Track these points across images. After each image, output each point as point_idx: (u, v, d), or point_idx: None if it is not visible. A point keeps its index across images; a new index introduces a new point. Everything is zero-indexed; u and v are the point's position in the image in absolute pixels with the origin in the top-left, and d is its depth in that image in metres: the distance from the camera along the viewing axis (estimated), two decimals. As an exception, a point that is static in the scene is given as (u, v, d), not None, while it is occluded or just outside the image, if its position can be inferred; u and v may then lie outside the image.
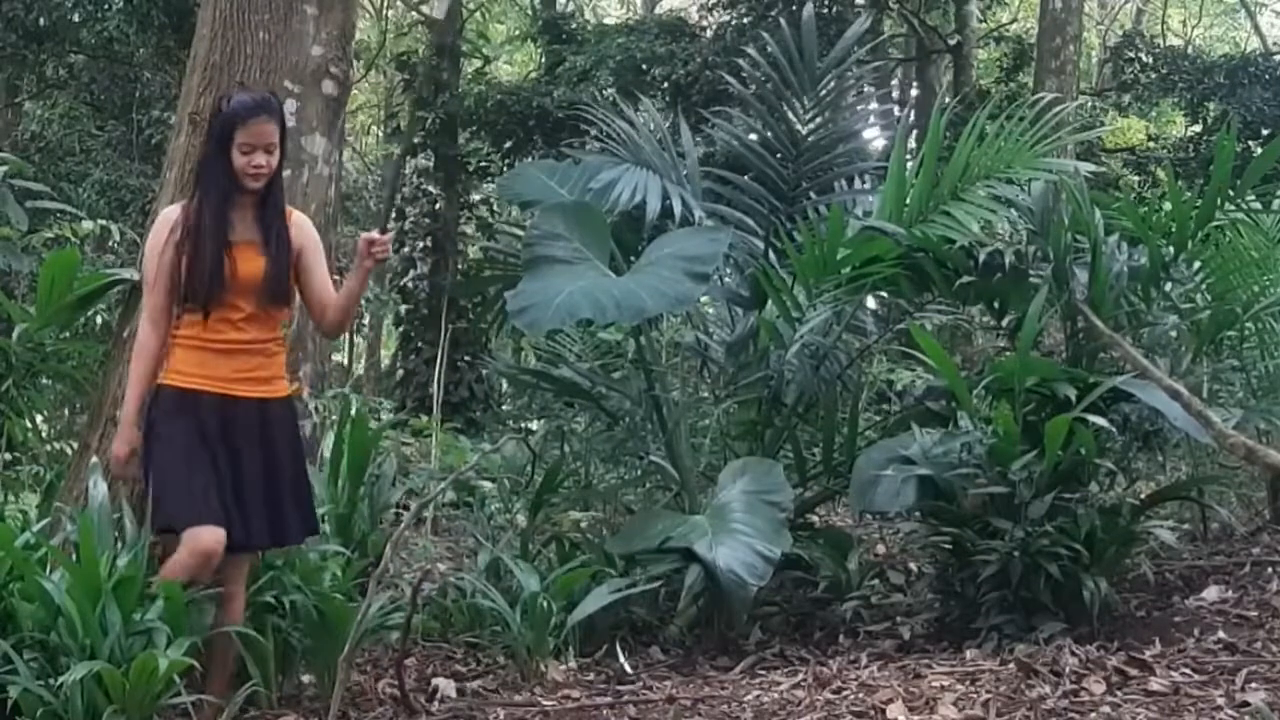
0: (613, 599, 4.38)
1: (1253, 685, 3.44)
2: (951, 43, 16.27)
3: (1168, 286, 5.14)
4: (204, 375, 3.54)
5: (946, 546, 4.53)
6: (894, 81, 19.22)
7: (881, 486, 4.58)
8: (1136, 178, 16.10)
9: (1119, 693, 3.45)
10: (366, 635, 3.84)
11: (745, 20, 14.40)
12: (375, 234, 3.65)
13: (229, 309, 3.56)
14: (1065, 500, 4.27)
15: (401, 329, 16.80)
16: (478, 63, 17.55)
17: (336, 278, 3.94)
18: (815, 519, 5.98)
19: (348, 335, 22.67)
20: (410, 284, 16.31)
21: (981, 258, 5.02)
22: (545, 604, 4.22)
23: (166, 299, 3.56)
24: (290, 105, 4.51)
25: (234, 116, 3.57)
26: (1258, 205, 5.19)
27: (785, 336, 5.11)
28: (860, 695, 3.58)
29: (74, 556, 3.42)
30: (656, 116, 6.19)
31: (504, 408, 13.83)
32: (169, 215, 3.63)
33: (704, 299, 5.88)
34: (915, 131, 11.53)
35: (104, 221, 6.68)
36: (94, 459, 4.06)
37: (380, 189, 20.35)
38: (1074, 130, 7.18)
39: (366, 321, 23.33)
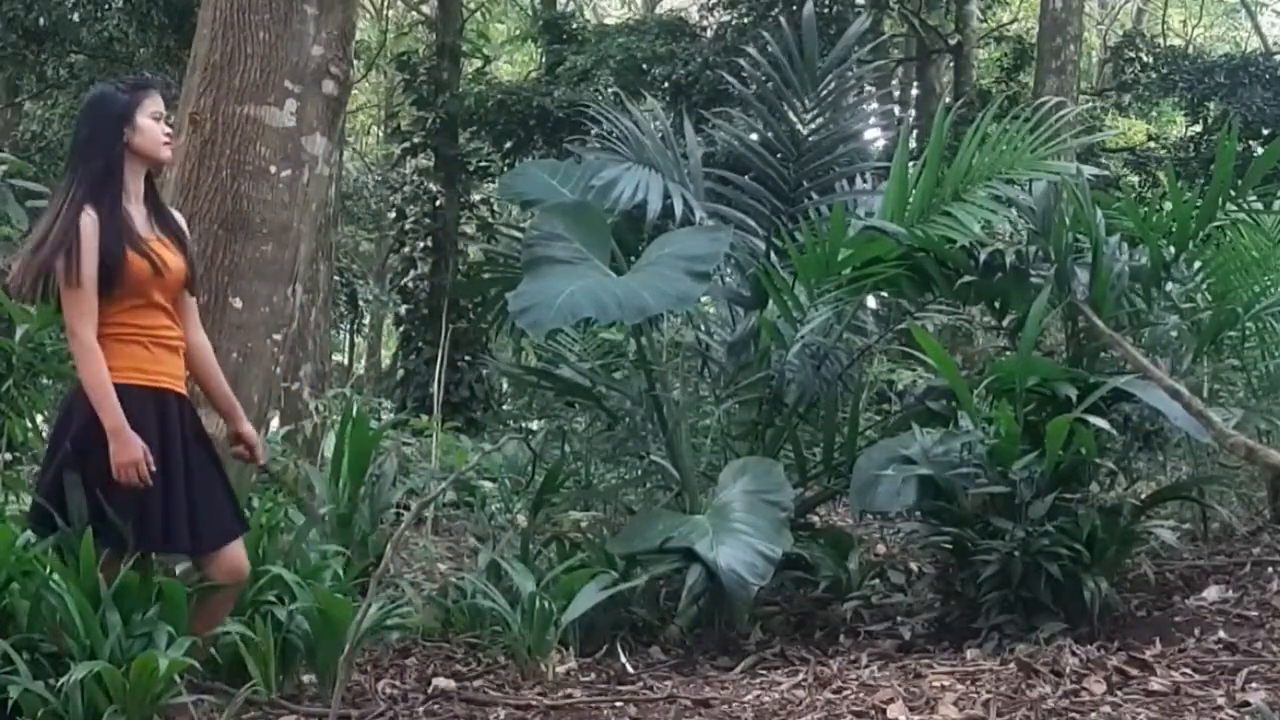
0: (605, 596, 4.37)
1: (1253, 685, 3.43)
2: (952, 42, 16.27)
3: (1169, 286, 5.13)
4: (165, 373, 3.49)
5: (947, 546, 4.53)
6: (894, 81, 19.23)
7: (882, 486, 4.58)
8: (1137, 178, 16.11)
9: (1119, 692, 3.45)
10: (366, 635, 3.84)
11: (745, 20, 14.41)
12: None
13: (170, 303, 3.53)
14: (1066, 500, 4.26)
15: (402, 329, 16.82)
16: (478, 63, 17.57)
17: (337, 278, 3.95)
18: (816, 519, 5.98)
19: (348, 335, 22.74)
20: (410, 284, 16.33)
21: (982, 258, 5.02)
22: (545, 604, 4.22)
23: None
24: (290, 105, 4.51)
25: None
26: (1259, 205, 5.19)
27: (786, 336, 5.11)
28: (861, 695, 3.57)
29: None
30: (661, 115, 6.19)
31: (504, 408, 13.84)
32: (94, 214, 3.42)
33: (705, 299, 5.88)
34: (915, 131, 11.53)
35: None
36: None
37: (380, 189, 20.38)
38: (1077, 134, 7.17)
39: (367, 321, 23.37)
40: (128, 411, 3.35)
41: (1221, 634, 3.97)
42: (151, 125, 3.53)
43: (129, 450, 3.31)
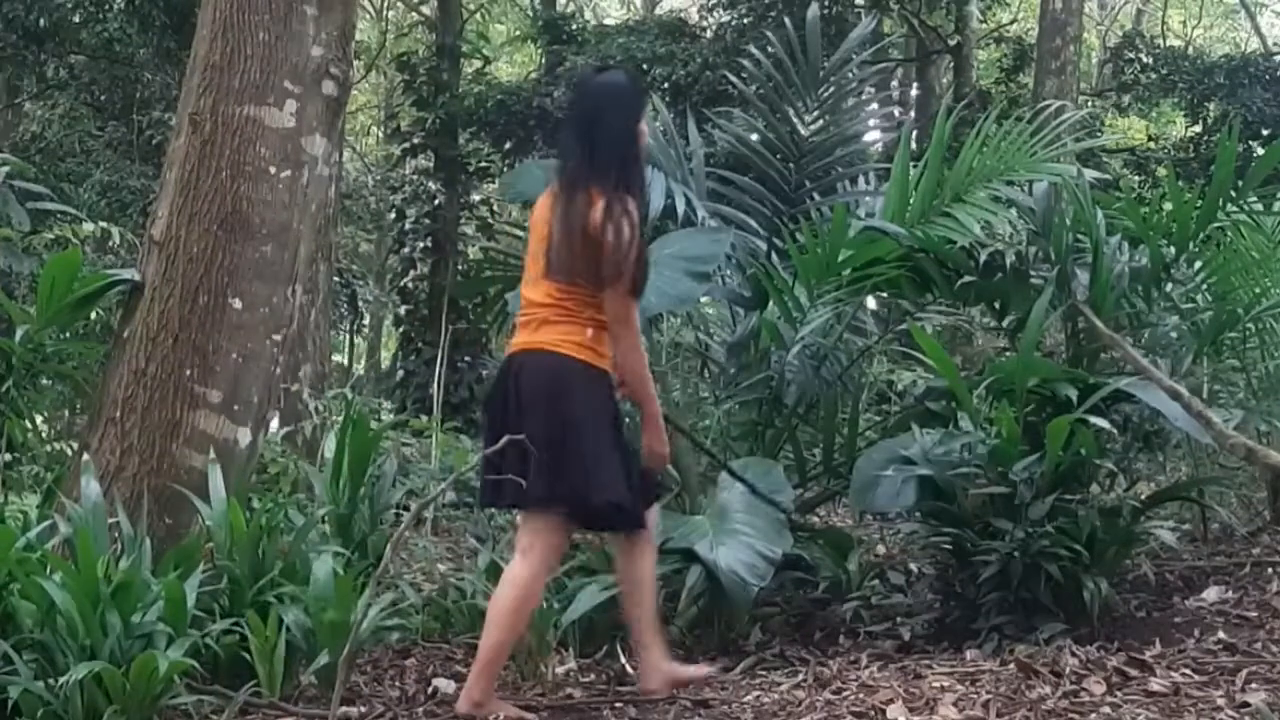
0: (605, 596, 4.36)
1: (1253, 686, 3.43)
2: (952, 43, 16.27)
3: (1169, 287, 5.13)
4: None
5: (947, 547, 4.52)
6: (894, 82, 19.23)
7: (882, 487, 4.57)
8: (1137, 178, 16.11)
9: (1119, 693, 3.45)
10: (366, 636, 3.84)
11: (745, 20, 14.42)
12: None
13: None
14: (1066, 501, 4.26)
15: (401, 329, 16.81)
16: (478, 63, 17.57)
17: (337, 278, 3.95)
18: (816, 519, 5.97)
19: (348, 335, 22.74)
20: (410, 284, 16.33)
21: (982, 258, 5.02)
22: (545, 604, 4.21)
23: None
24: (290, 105, 4.51)
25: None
26: (1259, 206, 5.19)
27: (786, 337, 5.11)
28: (860, 696, 3.57)
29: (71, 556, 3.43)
30: (664, 114, 6.18)
31: (504, 408, 13.79)
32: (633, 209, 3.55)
33: (705, 299, 5.88)
34: (914, 132, 11.52)
35: (105, 223, 6.70)
36: (87, 459, 4.07)
37: (380, 189, 20.39)
38: (1078, 137, 7.17)
39: (367, 322, 23.37)
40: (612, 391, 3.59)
41: (1221, 635, 3.97)
42: (645, 131, 3.68)
43: (665, 439, 3.66)
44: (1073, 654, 3.77)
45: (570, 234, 3.52)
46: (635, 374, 3.60)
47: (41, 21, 13.29)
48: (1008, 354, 5.39)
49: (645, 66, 14.25)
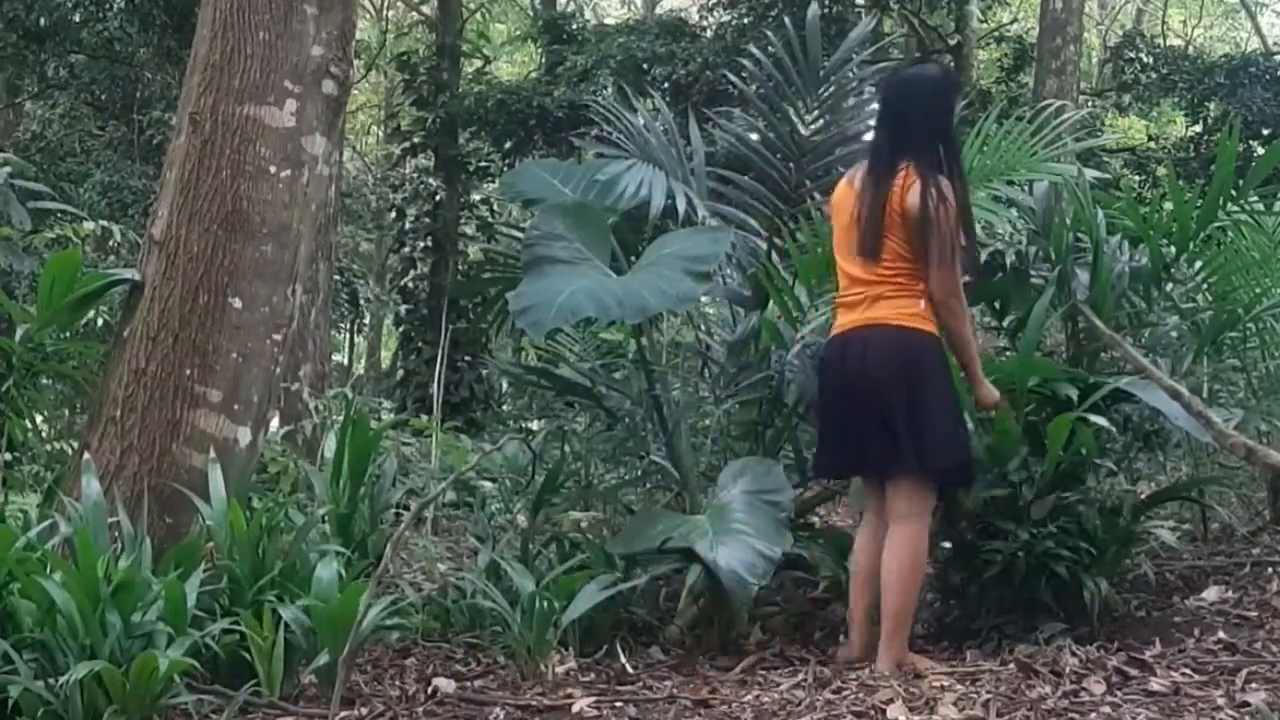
0: (605, 596, 4.36)
1: (1253, 685, 3.43)
2: (952, 43, 16.27)
3: (1169, 287, 5.13)
4: None
5: (947, 546, 4.53)
6: (894, 82, 19.21)
7: (882, 487, 4.56)
8: (1137, 178, 16.12)
9: (1119, 693, 3.45)
10: (366, 636, 3.84)
11: (745, 20, 14.43)
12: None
13: None
14: (1067, 500, 4.26)
15: (402, 329, 16.84)
16: (478, 62, 17.59)
17: (337, 277, 3.96)
18: (816, 519, 5.97)
19: (348, 335, 22.75)
20: (410, 284, 16.35)
21: (982, 258, 5.02)
22: (545, 604, 4.22)
23: None
24: (290, 105, 4.51)
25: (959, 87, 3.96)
26: (1259, 206, 5.19)
27: (786, 337, 5.11)
28: (860, 695, 3.57)
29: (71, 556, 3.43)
30: (666, 112, 6.18)
31: (504, 408, 13.84)
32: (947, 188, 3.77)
33: (705, 299, 5.87)
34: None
35: (105, 222, 6.70)
36: (87, 458, 4.07)
37: (380, 188, 20.41)
38: (1078, 137, 7.17)
39: (367, 321, 23.39)
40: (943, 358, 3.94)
41: (1221, 634, 3.97)
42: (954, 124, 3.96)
43: (990, 387, 4.05)
44: (1073, 654, 3.77)
45: (882, 214, 3.77)
46: (965, 342, 3.97)
47: (41, 21, 13.30)
48: (1008, 354, 5.38)
49: (645, 66, 14.27)
